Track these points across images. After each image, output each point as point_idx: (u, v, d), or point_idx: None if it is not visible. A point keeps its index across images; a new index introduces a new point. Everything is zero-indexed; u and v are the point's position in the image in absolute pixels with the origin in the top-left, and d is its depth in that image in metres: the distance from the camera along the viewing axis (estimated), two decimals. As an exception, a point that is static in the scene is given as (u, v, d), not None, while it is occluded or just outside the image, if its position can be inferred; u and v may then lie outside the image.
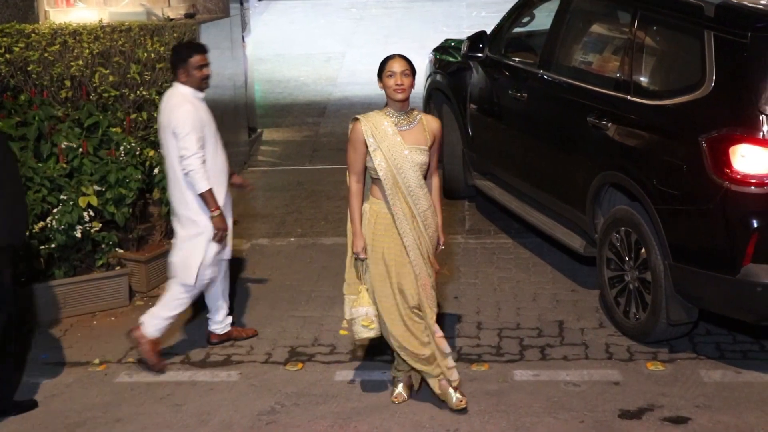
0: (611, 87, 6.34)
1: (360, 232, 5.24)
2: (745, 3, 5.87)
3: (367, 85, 13.22)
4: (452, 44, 9.07)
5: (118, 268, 6.91)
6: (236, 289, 7.16)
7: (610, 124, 6.21)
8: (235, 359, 6.08)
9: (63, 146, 6.84)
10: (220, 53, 9.26)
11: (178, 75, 5.88)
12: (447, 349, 5.39)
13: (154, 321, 5.93)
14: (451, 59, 8.77)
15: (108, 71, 7.51)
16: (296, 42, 15.73)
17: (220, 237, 5.85)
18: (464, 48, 8.12)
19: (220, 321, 6.24)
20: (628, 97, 6.14)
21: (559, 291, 6.94)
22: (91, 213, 6.62)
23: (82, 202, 6.53)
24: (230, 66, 9.64)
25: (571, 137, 6.67)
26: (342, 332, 5.53)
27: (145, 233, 7.33)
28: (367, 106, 12.03)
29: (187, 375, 5.91)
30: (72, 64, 7.54)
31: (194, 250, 5.86)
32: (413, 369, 5.44)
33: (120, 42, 7.93)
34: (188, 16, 9.10)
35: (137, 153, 7.07)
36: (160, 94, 7.66)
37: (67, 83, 7.40)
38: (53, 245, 6.57)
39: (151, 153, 7.21)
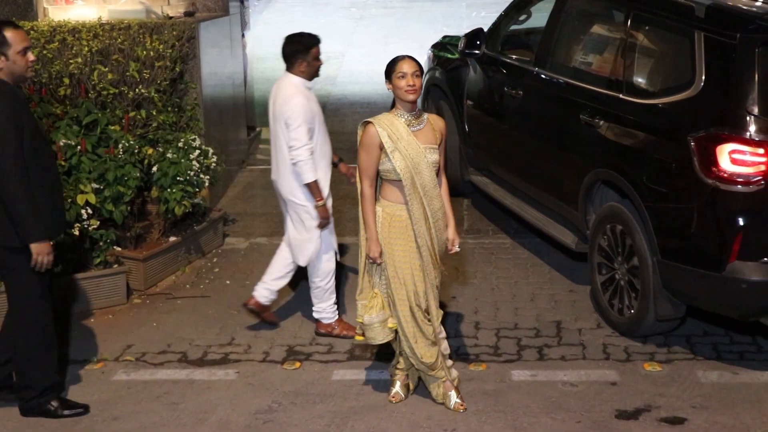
0: (604, 85, 6.42)
1: (376, 237, 5.21)
2: (735, 4, 5.94)
3: (367, 85, 13.22)
4: (450, 41, 9.14)
5: (115, 266, 6.91)
6: (235, 289, 7.17)
7: (602, 122, 6.28)
8: (233, 358, 6.09)
9: (61, 144, 6.83)
10: (220, 52, 9.26)
11: (296, 65, 5.96)
12: (447, 349, 5.42)
13: (324, 314, 6.24)
14: (449, 56, 8.85)
15: (107, 69, 7.51)
16: (296, 41, 15.71)
17: (322, 225, 6.03)
18: (461, 45, 8.22)
19: (273, 290, 6.37)
20: (621, 96, 6.23)
21: (557, 291, 6.95)
22: (89, 211, 6.61)
23: (80, 199, 6.53)
24: (230, 64, 9.64)
25: (565, 135, 6.76)
26: (358, 338, 5.53)
27: (143, 231, 7.34)
28: (366, 106, 12.03)
29: (185, 373, 5.91)
30: (71, 61, 7.54)
31: (310, 231, 6.06)
32: (412, 368, 5.45)
33: (119, 40, 7.93)
34: (188, 14, 9.09)
35: (136, 151, 7.07)
36: (159, 92, 7.69)
37: (66, 81, 7.39)
38: (51, 243, 6.55)
39: (150, 151, 7.21)
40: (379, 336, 5.35)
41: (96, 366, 6.02)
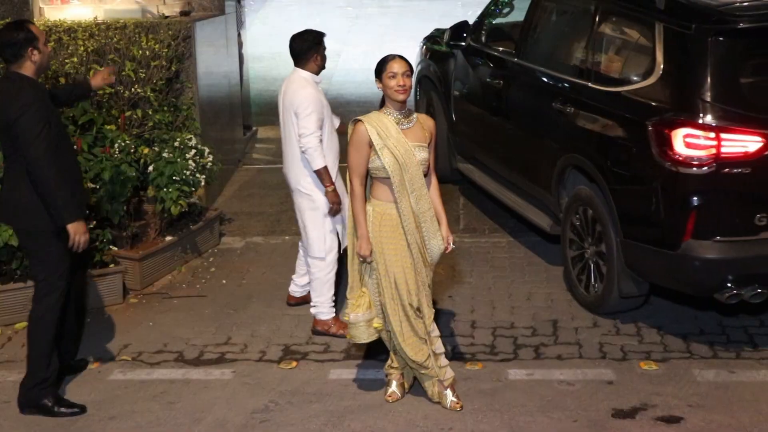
0: (575, 75, 6.77)
1: (367, 235, 5.22)
2: None
3: (363, 84, 13.21)
4: (441, 34, 9.39)
5: (112, 265, 6.90)
6: (231, 288, 7.17)
7: (572, 110, 6.62)
8: (229, 357, 6.09)
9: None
10: (216, 51, 9.26)
11: (311, 59, 6.20)
12: (440, 348, 5.41)
13: (321, 308, 6.29)
14: (438, 48, 9.19)
15: (103, 68, 7.50)
16: (292, 40, 15.72)
17: (334, 211, 6.15)
18: (446, 36, 8.74)
19: (301, 285, 6.62)
20: (589, 84, 6.56)
21: (554, 290, 6.96)
22: (86, 210, 6.60)
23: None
24: (225, 64, 9.64)
25: (540, 122, 7.10)
26: (348, 336, 5.55)
27: (139, 231, 7.33)
28: (362, 105, 12.03)
29: (181, 373, 5.91)
30: (66, 61, 7.54)
31: (313, 224, 6.20)
32: (407, 367, 5.46)
33: (115, 39, 7.93)
34: (183, 13, 9.08)
35: (132, 150, 7.07)
36: (155, 91, 7.69)
37: (62, 80, 7.39)
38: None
39: (146, 150, 7.21)
40: (364, 335, 5.36)
41: (92, 366, 6.02)
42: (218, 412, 5.45)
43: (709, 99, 5.72)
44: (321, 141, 6.06)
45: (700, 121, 5.68)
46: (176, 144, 7.33)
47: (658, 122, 5.81)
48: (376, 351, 5.88)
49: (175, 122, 7.87)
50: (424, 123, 5.33)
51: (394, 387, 5.51)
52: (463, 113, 8.49)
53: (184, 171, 7.17)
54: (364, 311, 5.31)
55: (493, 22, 8.50)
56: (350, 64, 14.54)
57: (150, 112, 7.60)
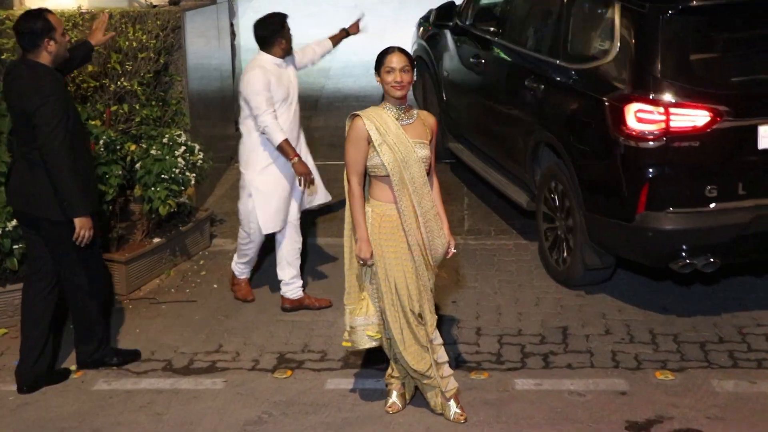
0: (545, 53, 7.33)
1: (366, 237, 5.20)
2: None
3: (362, 77, 13.21)
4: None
5: (96, 268, 6.88)
6: (222, 293, 7.15)
7: (542, 87, 7.20)
8: (220, 366, 6.07)
9: (39, 139, 6.80)
10: (207, 42, 9.24)
11: (273, 44, 6.54)
12: (443, 357, 5.38)
13: (236, 266, 6.96)
14: (431, 29, 9.86)
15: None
16: (287, 31, 15.71)
17: (305, 181, 6.49)
18: (432, 17, 9.58)
19: (287, 283, 6.78)
20: (557, 62, 7.10)
21: (563, 295, 6.94)
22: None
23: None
24: (217, 56, 9.63)
25: (516, 99, 7.65)
26: (345, 344, 5.52)
27: (125, 232, 7.32)
28: (361, 99, 12.02)
29: (169, 382, 5.89)
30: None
31: (252, 204, 6.68)
32: (408, 376, 5.42)
33: (100, 30, 7.89)
34: (173, 3, 9.06)
35: (118, 147, 7.04)
36: (143, 85, 7.66)
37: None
38: (28, 244, 6.53)
39: (133, 147, 7.18)
40: (363, 341, 5.35)
41: (75, 375, 6.00)
42: (209, 424, 5.42)
43: (660, 76, 6.21)
44: (276, 117, 6.42)
45: (651, 96, 6.16)
46: (165, 140, 7.31)
47: (613, 98, 6.32)
48: (376, 360, 5.85)
49: (163, 117, 7.85)
50: (425, 120, 5.31)
51: (394, 397, 5.49)
52: (452, 93, 9.14)
53: (173, 169, 7.15)
54: (364, 316, 5.29)
55: (480, 3, 9.01)
56: (348, 57, 14.51)
57: (137, 107, 7.58)
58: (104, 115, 7.30)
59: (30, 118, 5.46)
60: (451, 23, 9.12)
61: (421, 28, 10.16)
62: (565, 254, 6.98)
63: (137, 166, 7.15)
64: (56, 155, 5.46)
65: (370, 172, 5.22)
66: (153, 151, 7.18)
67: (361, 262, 5.25)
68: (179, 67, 8.34)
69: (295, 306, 6.76)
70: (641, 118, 6.16)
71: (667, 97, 6.14)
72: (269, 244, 6.98)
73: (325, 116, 11.92)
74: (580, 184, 6.63)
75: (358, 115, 5.19)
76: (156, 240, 7.41)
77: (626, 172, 6.26)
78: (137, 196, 7.29)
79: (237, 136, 10.54)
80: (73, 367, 6.07)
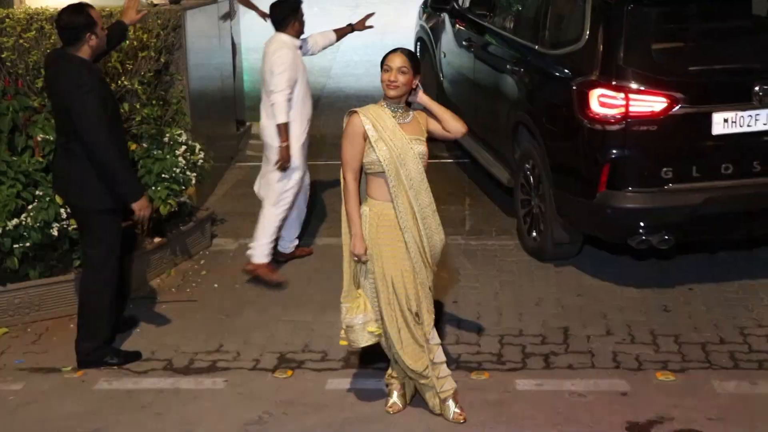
0: (528, 39, 7.82)
1: (360, 233, 5.23)
2: None
3: (363, 77, 13.22)
4: None
5: (96, 268, 6.90)
6: (223, 292, 7.17)
7: (522, 71, 7.74)
8: (221, 366, 6.09)
9: (39, 139, 6.84)
10: (207, 41, 9.26)
11: (288, 25, 7.17)
12: (440, 357, 5.40)
13: (260, 249, 7.20)
14: (431, 12, 10.45)
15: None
16: (288, 30, 15.66)
17: (281, 167, 7.07)
18: (430, 0, 10.26)
19: (289, 240, 7.56)
20: (536, 48, 7.61)
21: (564, 296, 6.96)
22: (69, 210, 6.61)
23: (59, 198, 6.53)
24: (217, 55, 9.64)
25: (501, 82, 8.16)
26: (342, 342, 5.54)
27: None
28: (362, 99, 12.01)
29: (170, 382, 5.92)
30: (49, 51, 7.52)
31: (280, 176, 7.15)
32: (407, 377, 5.45)
33: (100, 28, 7.91)
34: (173, 1, 9.08)
35: (118, 146, 7.06)
36: (143, 84, 7.68)
37: (44, 72, 7.38)
38: (28, 243, 6.57)
39: (133, 146, 7.20)
40: (362, 339, 5.36)
41: (76, 374, 6.03)
42: (209, 424, 5.45)
43: (623, 63, 6.63)
44: (290, 101, 6.98)
45: (614, 83, 6.58)
46: (165, 140, 7.33)
47: (579, 83, 6.77)
48: (375, 359, 5.87)
49: (164, 117, 7.86)
50: (420, 117, 5.36)
51: (395, 398, 5.51)
52: (447, 73, 9.80)
53: (174, 168, 7.17)
54: (361, 314, 5.32)
55: None
56: (350, 56, 14.54)
57: (137, 106, 7.59)
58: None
59: (69, 112, 5.67)
60: (448, 6, 9.74)
61: (424, 12, 10.77)
62: (539, 229, 7.43)
63: (138, 165, 7.17)
64: (103, 148, 5.68)
65: (367, 169, 5.25)
66: (154, 151, 7.19)
67: (356, 258, 5.29)
68: (180, 66, 8.36)
69: (250, 272, 7.26)
70: (604, 102, 6.58)
71: (629, 83, 6.56)
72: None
73: (326, 115, 11.92)
74: (550, 162, 7.13)
75: (355, 112, 5.23)
76: (157, 240, 7.43)
77: (589, 153, 6.73)
78: (138, 195, 7.30)
79: (238, 135, 10.63)
80: (74, 367, 6.09)
